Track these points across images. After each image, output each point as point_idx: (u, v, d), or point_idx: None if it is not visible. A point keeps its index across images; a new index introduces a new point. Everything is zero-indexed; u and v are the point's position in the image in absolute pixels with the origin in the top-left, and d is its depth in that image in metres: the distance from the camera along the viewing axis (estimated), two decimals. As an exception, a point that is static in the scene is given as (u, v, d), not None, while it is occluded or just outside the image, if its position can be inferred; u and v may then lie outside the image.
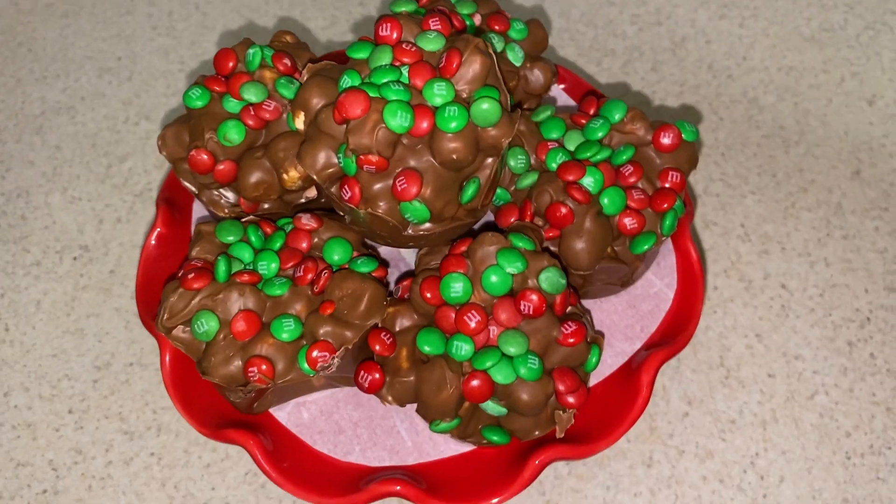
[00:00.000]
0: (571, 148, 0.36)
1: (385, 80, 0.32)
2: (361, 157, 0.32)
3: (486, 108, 0.32)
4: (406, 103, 0.32)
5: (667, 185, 0.36)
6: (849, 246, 0.46)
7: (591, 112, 0.38)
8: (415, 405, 0.36)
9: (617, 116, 0.36)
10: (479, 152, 0.33)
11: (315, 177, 0.33)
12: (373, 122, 0.32)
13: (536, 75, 0.39)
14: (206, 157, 0.36)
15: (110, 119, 0.54)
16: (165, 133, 0.38)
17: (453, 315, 0.33)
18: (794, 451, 0.41)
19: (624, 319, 0.39)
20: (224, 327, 0.34)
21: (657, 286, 0.39)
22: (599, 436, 0.34)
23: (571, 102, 0.46)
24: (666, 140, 0.36)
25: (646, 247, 0.35)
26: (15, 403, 0.44)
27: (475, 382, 0.32)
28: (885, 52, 0.54)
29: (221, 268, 0.34)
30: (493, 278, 0.33)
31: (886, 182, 0.48)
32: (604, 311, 0.39)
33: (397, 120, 0.32)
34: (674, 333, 0.37)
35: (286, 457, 0.35)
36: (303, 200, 0.38)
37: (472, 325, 0.32)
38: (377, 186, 0.33)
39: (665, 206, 0.35)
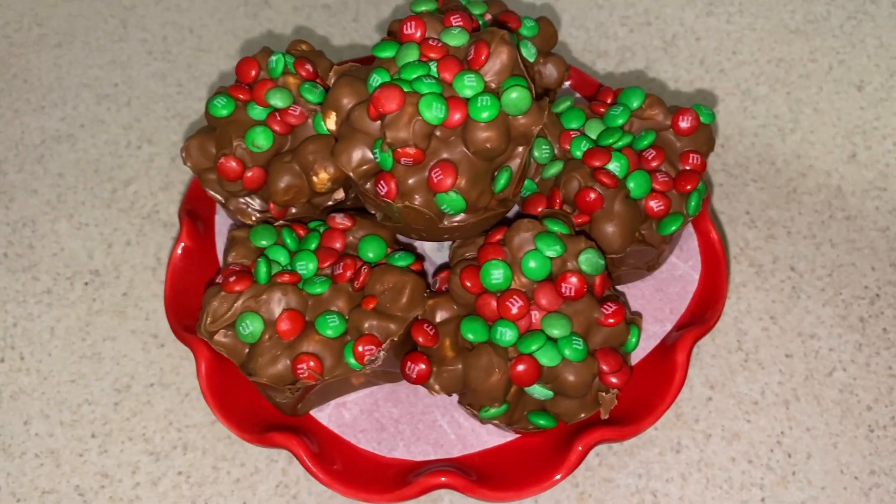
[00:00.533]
0: (593, 136, 0.37)
1: (416, 76, 0.33)
2: (399, 150, 0.33)
3: (516, 96, 0.33)
4: (439, 95, 0.33)
5: (688, 168, 0.37)
6: (852, 226, 0.48)
7: (609, 101, 0.38)
8: (454, 399, 0.36)
9: (635, 103, 0.37)
10: (510, 141, 0.34)
11: (351, 174, 0.34)
12: (408, 115, 0.32)
13: (550, 70, 0.40)
14: (235, 164, 0.36)
15: (112, 144, 0.54)
16: (189, 145, 0.38)
17: (494, 302, 0.33)
18: (819, 428, 0.41)
19: (652, 303, 0.40)
20: (269, 328, 0.34)
21: (681, 269, 0.40)
22: (641, 416, 0.35)
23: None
24: (684, 124, 0.37)
25: (673, 228, 0.36)
26: (36, 431, 0.43)
27: (522, 366, 0.32)
28: (868, 39, 0.55)
29: (262, 269, 0.34)
30: (533, 263, 0.33)
31: (882, 163, 0.50)
32: (632, 296, 0.40)
33: (433, 111, 0.32)
34: (702, 313, 0.38)
35: (332, 457, 0.35)
36: (330, 203, 0.38)
37: (515, 310, 0.33)
38: (413, 180, 0.34)
39: (689, 187, 0.36)
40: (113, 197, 0.52)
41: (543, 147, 0.37)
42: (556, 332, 0.33)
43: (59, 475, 0.42)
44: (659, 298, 0.40)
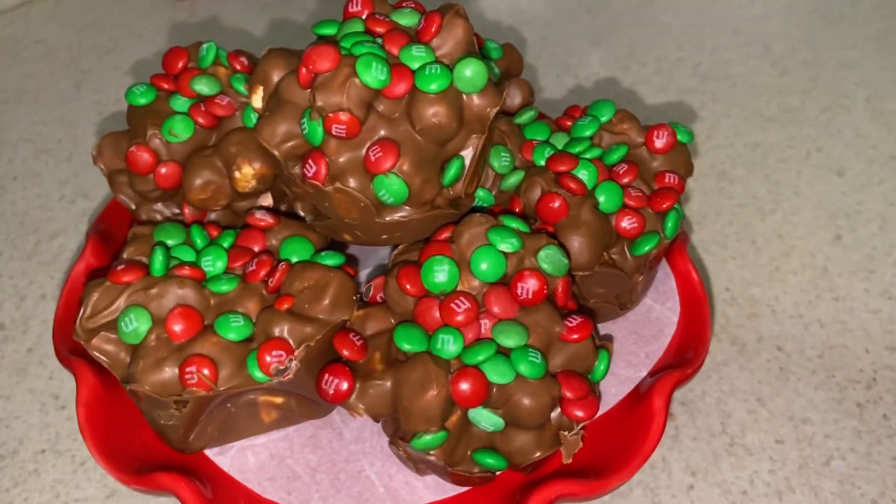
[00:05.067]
0: (559, 147, 0.33)
1: (356, 42, 0.29)
2: (330, 116, 0.28)
3: (472, 69, 0.29)
4: (382, 58, 0.29)
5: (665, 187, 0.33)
6: (841, 307, 0.44)
7: (577, 115, 0.35)
8: (384, 446, 0.29)
9: (605, 117, 0.34)
10: (462, 126, 0.30)
11: (275, 151, 0.29)
12: (343, 76, 0.28)
13: (514, 91, 0.36)
14: (147, 155, 0.32)
15: (43, 197, 0.50)
16: (102, 143, 0.34)
17: (437, 307, 0.28)
18: (818, 524, 0.35)
19: (625, 346, 0.34)
20: (157, 326, 0.28)
21: (657, 311, 0.35)
22: (612, 469, 0.28)
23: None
24: (660, 141, 0.33)
25: (648, 248, 0.32)
26: None
27: (466, 381, 0.26)
28: (845, 130, 0.54)
29: (158, 258, 0.28)
30: (485, 262, 0.28)
31: (868, 245, 0.47)
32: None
33: (373, 73, 0.28)
34: (682, 358, 0.33)
35: (227, 506, 0.29)
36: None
37: (461, 314, 0.27)
38: (346, 158, 0.29)
39: (665, 205, 0.32)
40: (35, 249, 0.47)
41: (503, 155, 0.33)
42: (509, 342, 0.27)
43: (-89, 554, 0.35)
44: (633, 342, 0.35)
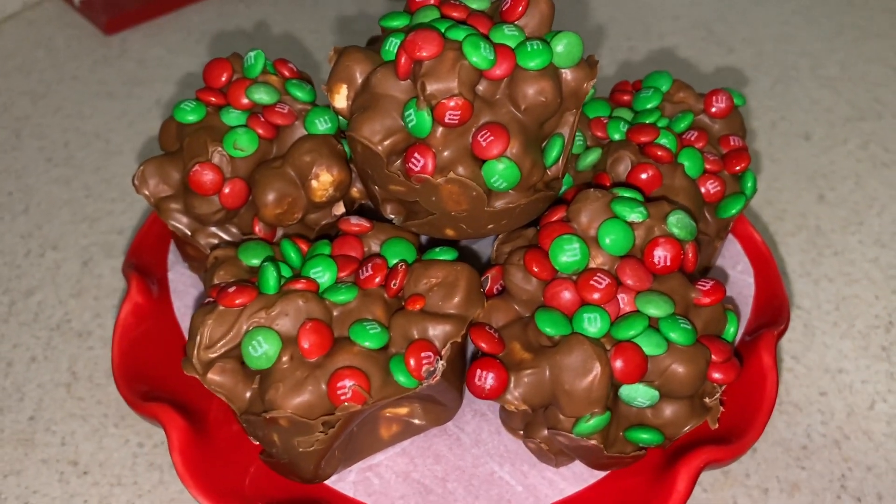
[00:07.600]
0: (628, 119, 0.33)
1: (449, 26, 0.28)
2: (442, 103, 0.27)
3: (567, 41, 0.28)
4: (485, 38, 0.27)
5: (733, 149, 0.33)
6: (842, 260, 0.46)
7: (628, 90, 0.35)
8: (511, 446, 0.28)
9: (664, 87, 0.34)
10: (561, 100, 0.29)
11: (378, 149, 0.27)
12: (451, 59, 0.27)
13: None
14: (212, 174, 0.29)
15: (6, 255, 0.46)
16: (144, 170, 0.31)
17: (570, 288, 0.27)
18: (880, 465, 0.37)
19: (710, 312, 0.35)
20: (288, 346, 0.26)
21: (731, 275, 0.36)
22: (742, 430, 0.28)
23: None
24: (719, 104, 0.34)
25: (734, 210, 0.32)
26: None
27: (626, 356, 0.25)
28: (801, 98, 0.57)
29: (272, 274, 0.26)
30: (612, 235, 0.27)
31: (851, 201, 0.49)
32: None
33: (481, 52, 0.27)
34: (767, 315, 0.33)
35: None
36: (326, 222, 0.31)
37: (601, 287, 0.26)
38: (453, 147, 0.28)
39: (740, 166, 0.32)
40: (10, 310, 0.43)
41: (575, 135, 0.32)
42: (657, 312, 0.26)
43: None
44: (716, 307, 0.35)
